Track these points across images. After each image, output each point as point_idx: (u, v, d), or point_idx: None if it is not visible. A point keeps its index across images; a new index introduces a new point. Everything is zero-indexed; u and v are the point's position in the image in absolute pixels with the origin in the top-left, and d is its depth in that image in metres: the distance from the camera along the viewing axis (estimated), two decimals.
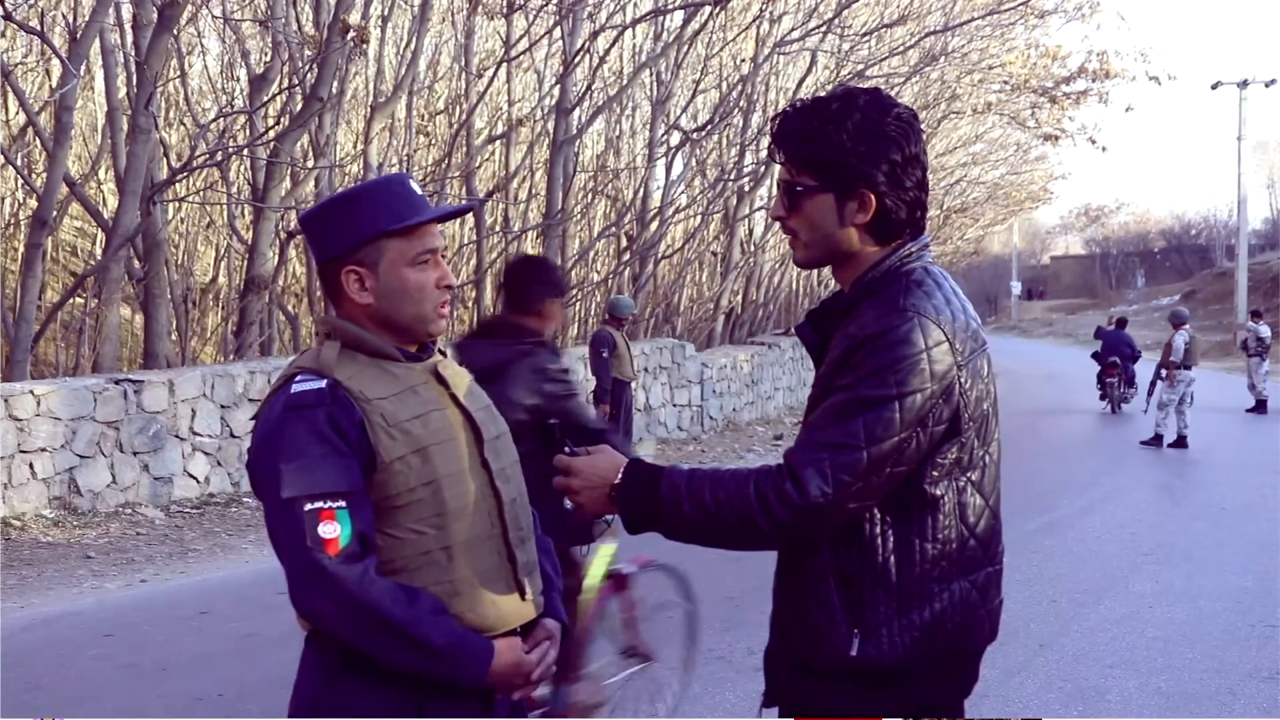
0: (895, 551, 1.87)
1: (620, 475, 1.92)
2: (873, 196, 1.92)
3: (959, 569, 1.91)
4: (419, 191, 2.06)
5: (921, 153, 1.98)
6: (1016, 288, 70.55)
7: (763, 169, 18.87)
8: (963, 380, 1.87)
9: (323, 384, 1.94)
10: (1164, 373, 14.66)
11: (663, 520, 1.89)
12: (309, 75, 11.45)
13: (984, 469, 1.94)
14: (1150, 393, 15.07)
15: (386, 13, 14.80)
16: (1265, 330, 20.05)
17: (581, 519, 2.02)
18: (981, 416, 1.92)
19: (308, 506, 1.86)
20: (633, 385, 11.47)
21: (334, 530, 1.86)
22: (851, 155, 1.90)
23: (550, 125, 16.04)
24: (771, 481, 1.82)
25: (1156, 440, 14.33)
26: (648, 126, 18.62)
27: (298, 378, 1.96)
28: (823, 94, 2.04)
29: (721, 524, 1.85)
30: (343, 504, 1.88)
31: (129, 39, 11.91)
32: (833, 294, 2.11)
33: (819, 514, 1.81)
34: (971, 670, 2.00)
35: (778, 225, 2.13)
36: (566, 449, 2.00)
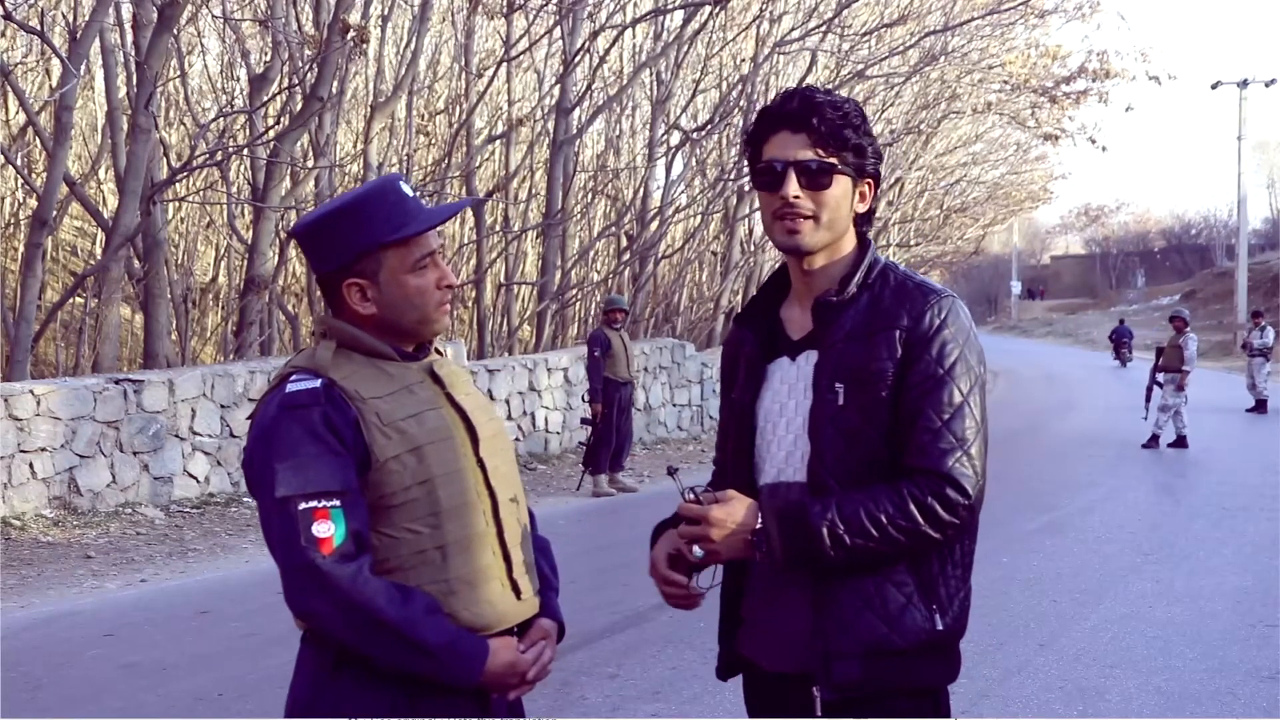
0: None
1: (760, 518, 1.93)
2: (872, 190, 2.03)
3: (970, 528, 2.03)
4: (412, 193, 2.04)
5: None
6: (1016, 288, 70.57)
7: None
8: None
9: (317, 383, 1.93)
10: (1161, 377, 14.54)
11: (823, 554, 1.90)
12: (309, 75, 11.45)
13: None
14: (1148, 397, 14.96)
15: (386, 13, 14.82)
16: (1269, 336, 19.99)
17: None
18: None
19: (302, 505, 1.86)
20: (632, 385, 11.48)
21: (328, 529, 1.86)
22: (869, 146, 2.00)
23: (550, 125, 16.06)
24: (929, 490, 1.88)
25: (1154, 441, 14.30)
26: (648, 126, 18.65)
27: (293, 377, 1.96)
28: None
29: (888, 544, 1.88)
30: (337, 503, 1.88)
31: (129, 39, 11.93)
32: (768, 292, 2.11)
33: (978, 503, 1.91)
34: None
35: None
36: (690, 496, 1.98)
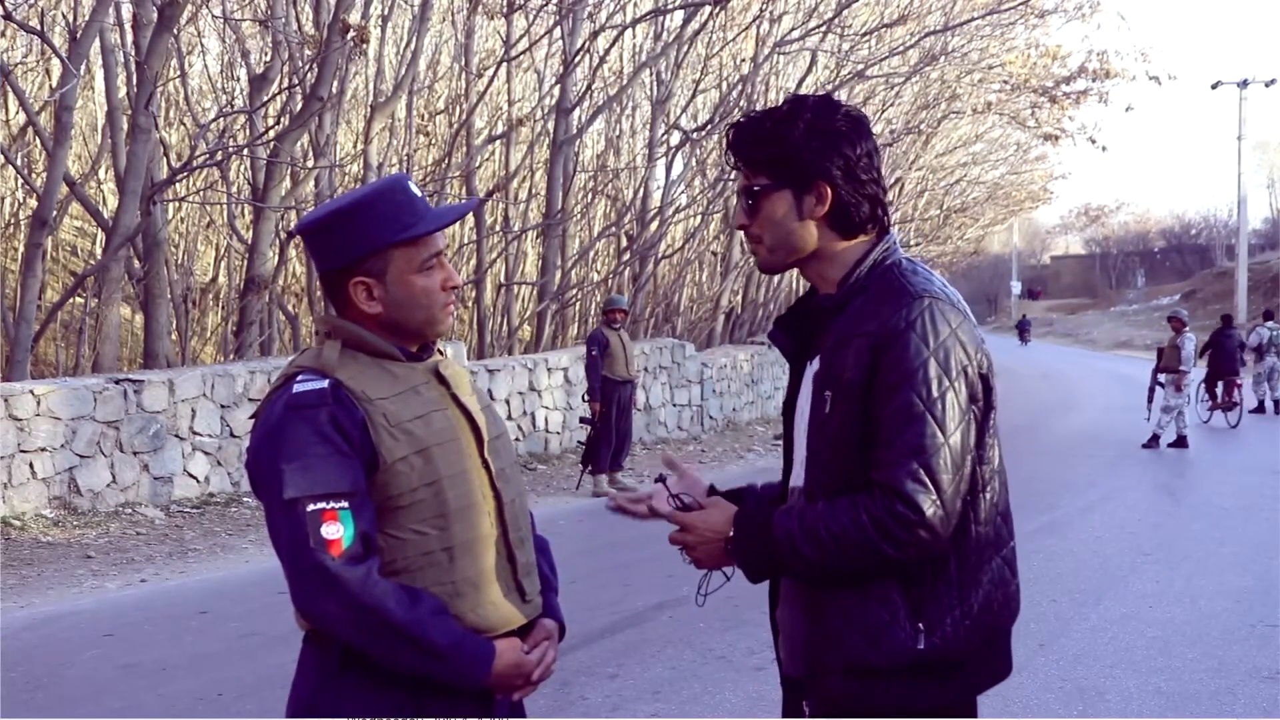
0: (954, 540, 1.87)
1: (732, 527, 1.92)
2: (829, 189, 1.93)
3: (994, 547, 1.93)
4: (419, 193, 2.04)
5: (874, 151, 1.98)
6: (1016, 288, 70.57)
7: None
8: (984, 351, 1.91)
9: (325, 384, 1.92)
10: (1162, 378, 14.56)
11: (785, 565, 1.89)
12: (309, 75, 11.45)
13: (998, 440, 1.96)
14: (1150, 399, 14.98)
15: (386, 13, 14.81)
16: (1260, 335, 19.97)
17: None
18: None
19: (310, 507, 1.85)
20: (633, 385, 11.48)
21: (337, 531, 1.86)
22: (804, 151, 1.92)
23: (550, 125, 16.05)
24: (881, 506, 1.80)
25: (1155, 441, 14.31)
26: (648, 126, 18.63)
27: (299, 377, 1.95)
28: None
29: (844, 559, 1.83)
30: (345, 505, 1.87)
31: (129, 39, 11.92)
32: (805, 296, 2.10)
33: (939, 522, 1.80)
34: (1009, 647, 2.01)
35: None
36: (677, 503, 1.99)
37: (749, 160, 1.98)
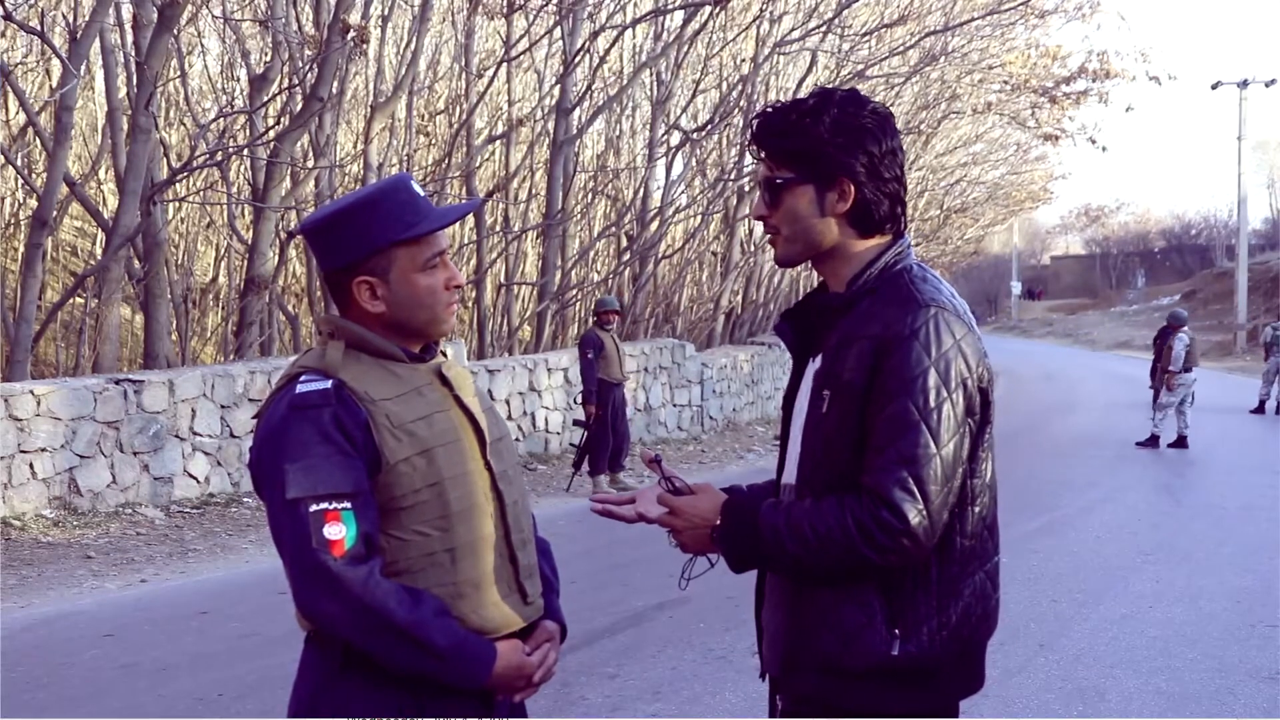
0: (936, 550, 1.87)
1: (719, 516, 1.93)
2: (852, 186, 1.93)
3: (978, 560, 1.93)
4: (421, 193, 2.05)
5: (899, 149, 1.98)
6: (1016, 288, 70.58)
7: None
8: (986, 365, 1.91)
9: (328, 384, 1.93)
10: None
11: (768, 558, 1.89)
12: (309, 75, 11.45)
13: (991, 454, 1.96)
14: (1154, 399, 15.02)
15: (386, 13, 14.81)
16: (1266, 334, 19.97)
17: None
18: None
19: (313, 507, 1.85)
20: (625, 386, 11.47)
21: (339, 531, 1.86)
22: (829, 145, 1.92)
23: (550, 125, 16.05)
24: (867, 511, 1.80)
25: (1153, 441, 14.32)
26: (648, 126, 18.63)
27: (302, 378, 1.95)
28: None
29: (827, 558, 1.83)
30: (348, 505, 1.87)
31: (129, 39, 11.93)
32: (814, 291, 2.10)
33: (923, 532, 1.80)
34: (983, 660, 2.01)
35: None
36: (668, 485, 2.00)
37: (773, 152, 1.97)
